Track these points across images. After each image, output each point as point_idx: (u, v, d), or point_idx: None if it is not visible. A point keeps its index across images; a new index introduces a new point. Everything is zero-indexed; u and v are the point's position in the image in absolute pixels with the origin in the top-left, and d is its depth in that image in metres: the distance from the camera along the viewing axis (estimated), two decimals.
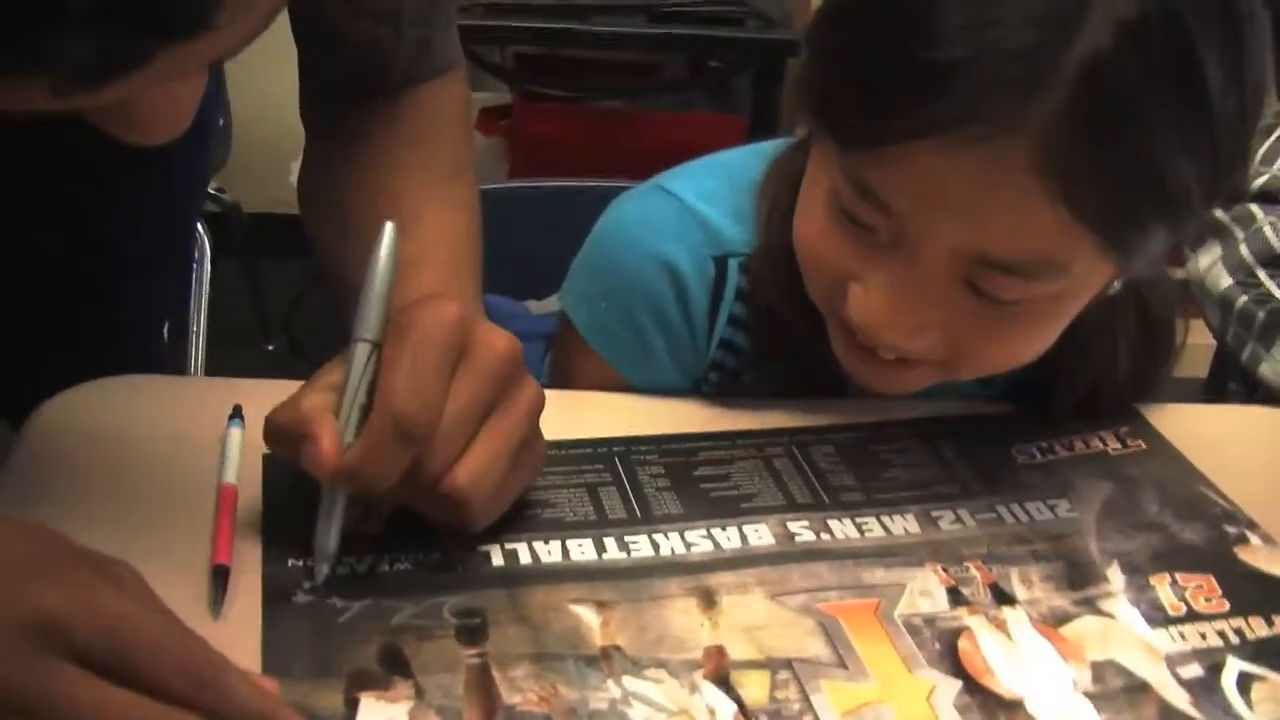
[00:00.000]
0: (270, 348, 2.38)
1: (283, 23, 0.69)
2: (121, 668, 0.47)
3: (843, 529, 0.68)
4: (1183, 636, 0.63)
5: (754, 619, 0.61)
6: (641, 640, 0.60)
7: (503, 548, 0.64)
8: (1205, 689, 0.60)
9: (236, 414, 0.69)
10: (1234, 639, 0.63)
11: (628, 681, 0.57)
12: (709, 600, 0.62)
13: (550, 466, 0.67)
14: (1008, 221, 0.62)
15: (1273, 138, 1.10)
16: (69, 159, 0.73)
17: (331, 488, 0.60)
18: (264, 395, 0.63)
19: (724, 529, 0.67)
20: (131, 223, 0.85)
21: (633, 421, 0.76)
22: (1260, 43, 0.63)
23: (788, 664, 0.59)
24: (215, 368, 1.56)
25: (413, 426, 0.57)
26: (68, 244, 0.83)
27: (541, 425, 0.63)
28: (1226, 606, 0.65)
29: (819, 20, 0.68)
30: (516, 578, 0.63)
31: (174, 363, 1.18)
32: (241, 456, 0.67)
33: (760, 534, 0.67)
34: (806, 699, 0.57)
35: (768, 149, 0.81)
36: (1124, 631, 0.63)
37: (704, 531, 0.67)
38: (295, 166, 0.81)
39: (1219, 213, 1.10)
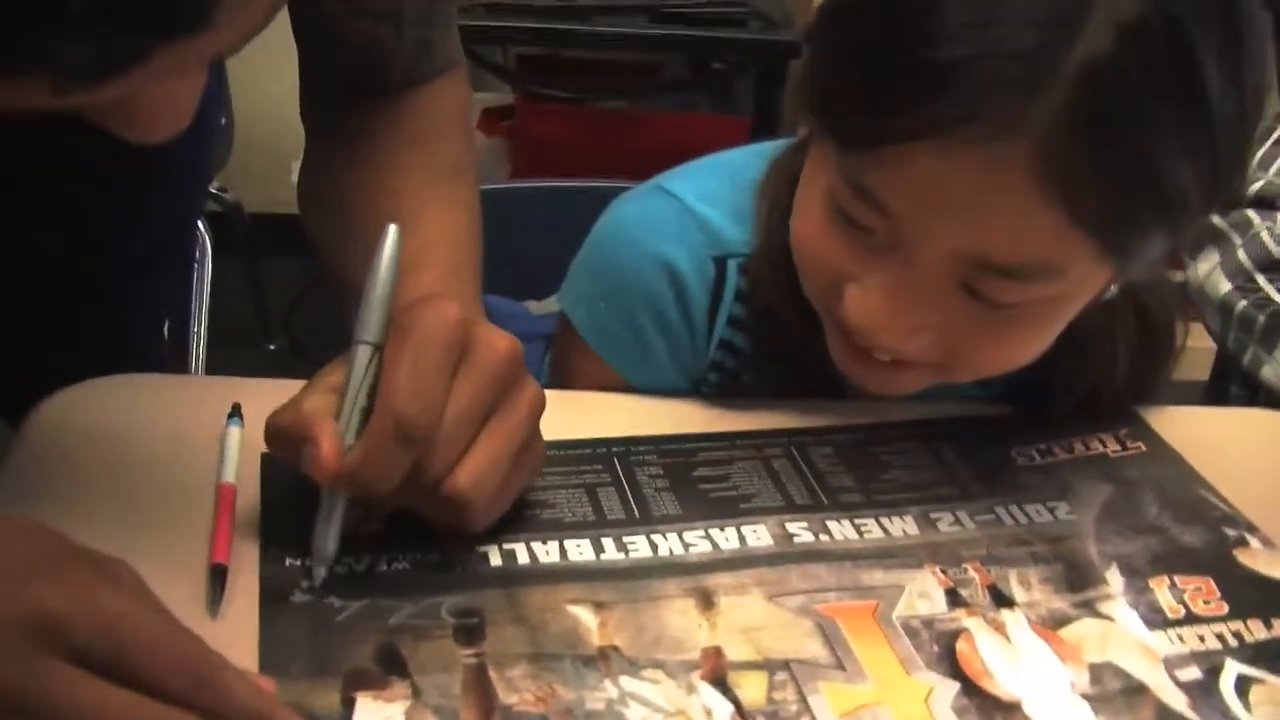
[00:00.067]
0: (271, 347, 2.38)
1: (286, 21, 0.70)
2: (120, 667, 0.47)
3: (841, 530, 0.68)
4: (1181, 639, 0.63)
5: (752, 620, 0.61)
6: (639, 641, 0.60)
7: (501, 548, 0.64)
8: (1203, 691, 0.60)
9: (235, 413, 0.69)
10: (1233, 642, 0.63)
11: (625, 682, 0.57)
12: (707, 601, 0.62)
13: (549, 467, 0.67)
14: (1005, 224, 0.62)
15: (1269, 142, 1.10)
16: (69, 159, 0.73)
17: (331, 490, 0.60)
18: (264, 395, 0.63)
19: (722, 530, 0.67)
20: (132, 222, 0.85)
21: (632, 422, 0.76)
22: (1260, 45, 0.63)
23: (785, 665, 0.59)
24: (216, 367, 1.56)
25: (414, 429, 0.57)
26: (68, 244, 0.83)
27: (540, 425, 0.63)
28: (1225, 609, 0.65)
29: (821, 18, 0.68)
30: (514, 578, 0.63)
31: (174, 362, 1.18)
32: (240, 456, 0.67)
33: (759, 535, 0.67)
34: (804, 700, 0.57)
35: (768, 149, 0.81)
36: (1122, 634, 0.63)
37: (702, 532, 0.67)
38: (297, 166, 0.81)
39: (1216, 219, 1.10)
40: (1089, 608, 0.64)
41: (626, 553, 0.65)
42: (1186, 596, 0.66)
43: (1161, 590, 0.66)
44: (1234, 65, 0.60)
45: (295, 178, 0.80)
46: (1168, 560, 0.68)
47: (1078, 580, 0.66)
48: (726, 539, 0.67)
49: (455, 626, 0.59)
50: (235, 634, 0.57)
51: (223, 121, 1.93)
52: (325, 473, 0.58)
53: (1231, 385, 1.21)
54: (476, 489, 0.59)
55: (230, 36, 0.43)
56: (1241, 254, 1.08)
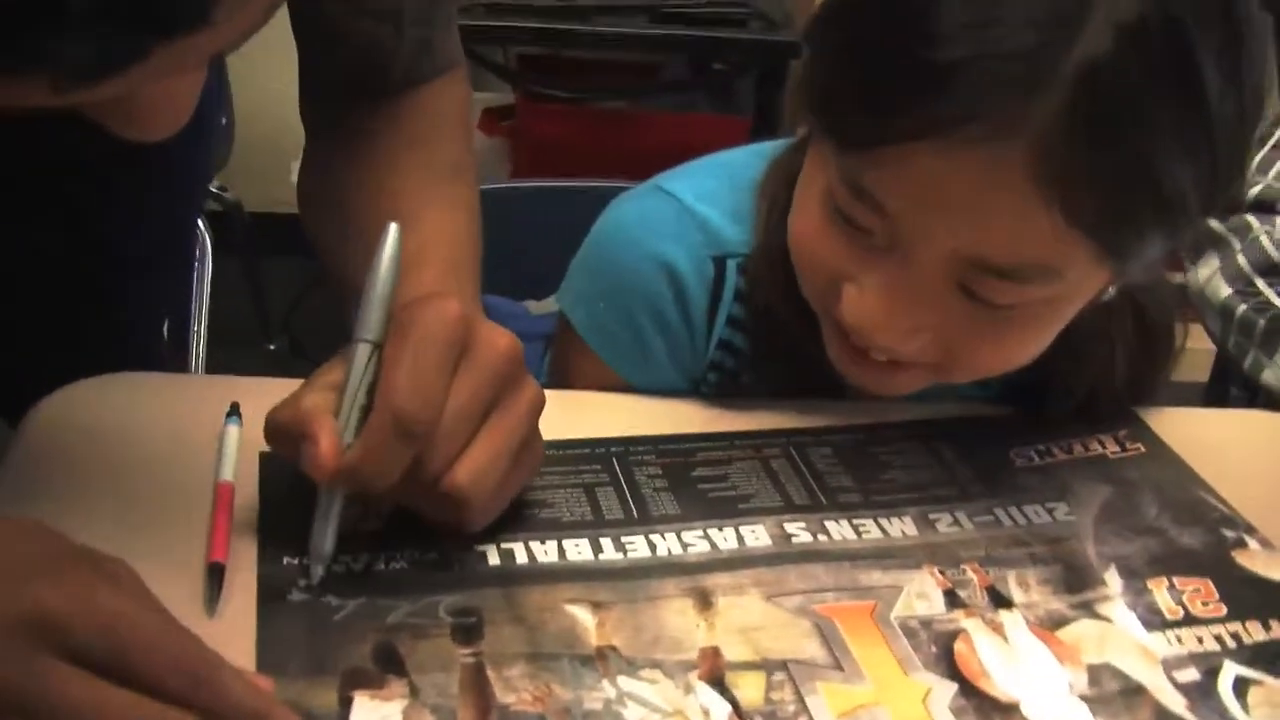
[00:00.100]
0: (271, 347, 2.38)
1: (286, 19, 0.70)
2: (119, 666, 0.47)
3: (840, 530, 0.68)
4: (1179, 640, 0.63)
5: (750, 620, 0.61)
6: (637, 640, 0.60)
7: (499, 547, 0.64)
8: (1202, 693, 0.60)
9: (234, 412, 0.69)
10: (1231, 643, 0.63)
11: (623, 682, 0.57)
12: (705, 601, 0.62)
13: (548, 466, 0.67)
14: (1003, 225, 0.62)
15: (1268, 146, 1.10)
16: (69, 158, 0.73)
17: (329, 488, 0.60)
18: (263, 394, 0.63)
19: (721, 530, 0.67)
20: (131, 222, 0.85)
21: (631, 422, 0.76)
22: (1260, 46, 0.63)
23: (783, 665, 0.59)
24: (215, 367, 1.56)
25: (414, 425, 0.57)
26: (68, 244, 0.83)
27: (540, 425, 0.63)
28: (1224, 611, 0.65)
29: (821, 17, 0.68)
30: (512, 577, 0.63)
31: (174, 362, 1.17)
32: (239, 454, 0.67)
33: (757, 535, 0.67)
34: (802, 700, 0.57)
35: (768, 149, 0.81)
36: (1121, 635, 0.63)
37: (701, 532, 0.67)
38: (297, 166, 0.81)
39: (1216, 224, 1.10)
40: (1087, 609, 0.64)
41: (625, 552, 0.65)
42: (1185, 598, 0.66)
43: (1160, 591, 0.66)
44: (1233, 66, 0.60)
45: (295, 177, 0.80)
46: (1166, 561, 0.68)
47: (1076, 581, 0.66)
48: (725, 539, 0.67)
49: (453, 626, 0.59)
50: (233, 632, 0.57)
51: (223, 121, 1.93)
52: (323, 471, 0.58)
53: (1231, 387, 1.21)
54: (475, 485, 0.59)
55: (229, 34, 0.43)
56: (1241, 258, 1.08)
